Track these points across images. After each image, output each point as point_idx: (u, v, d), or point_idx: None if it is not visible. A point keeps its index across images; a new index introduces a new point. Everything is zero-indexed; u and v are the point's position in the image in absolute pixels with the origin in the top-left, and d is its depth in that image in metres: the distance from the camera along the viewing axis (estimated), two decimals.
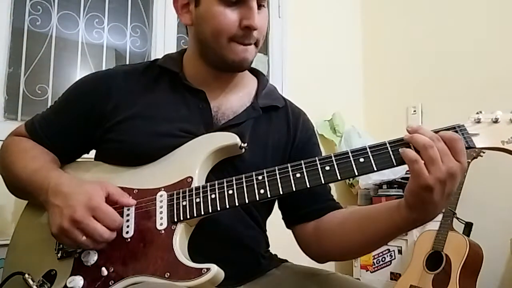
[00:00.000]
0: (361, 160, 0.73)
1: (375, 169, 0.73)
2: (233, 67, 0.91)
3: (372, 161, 0.73)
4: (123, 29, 1.96)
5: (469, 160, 1.87)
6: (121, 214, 0.80)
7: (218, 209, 0.78)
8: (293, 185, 0.76)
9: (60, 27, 1.79)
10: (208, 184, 0.80)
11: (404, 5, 2.58)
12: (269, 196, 0.76)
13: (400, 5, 2.61)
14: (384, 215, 0.80)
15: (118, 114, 0.90)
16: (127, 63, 1.93)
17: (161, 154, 0.87)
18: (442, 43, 2.35)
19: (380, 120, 2.59)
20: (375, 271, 2.15)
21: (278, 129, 0.97)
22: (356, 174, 0.73)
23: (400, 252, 2.08)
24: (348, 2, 2.76)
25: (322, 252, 0.92)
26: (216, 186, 0.79)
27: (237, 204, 0.77)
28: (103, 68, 1.82)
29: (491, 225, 2.01)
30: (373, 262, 2.16)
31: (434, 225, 1.87)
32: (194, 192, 0.80)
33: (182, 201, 0.80)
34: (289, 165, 0.77)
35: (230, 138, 0.85)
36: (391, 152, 0.72)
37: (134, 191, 0.84)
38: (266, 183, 0.77)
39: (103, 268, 0.77)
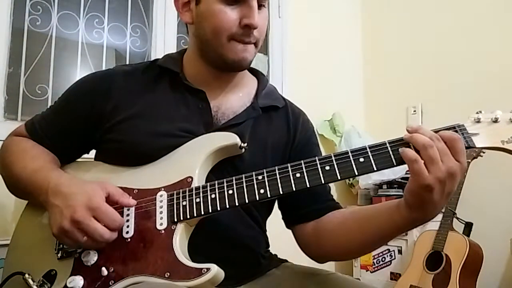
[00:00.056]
0: (361, 160, 0.73)
1: (375, 169, 0.73)
2: (232, 67, 0.91)
3: (372, 161, 0.73)
4: (123, 29, 1.96)
5: (469, 160, 1.87)
6: (121, 214, 0.80)
7: (218, 209, 0.78)
8: (293, 185, 0.76)
9: (60, 27, 1.79)
10: (208, 184, 0.80)
11: (404, 5, 2.59)
12: (269, 196, 0.76)
13: (400, 5, 2.61)
14: (384, 215, 0.80)
15: (118, 114, 0.90)
16: (127, 63, 1.93)
17: (161, 154, 0.87)
18: (442, 43, 2.35)
19: (380, 120, 2.59)
20: (375, 271, 2.15)
21: (278, 129, 0.97)
22: (356, 174, 0.73)
23: (400, 252, 2.08)
24: (348, 2, 2.76)
25: (322, 252, 0.92)
26: (216, 186, 0.79)
27: (237, 204, 0.77)
28: (103, 68, 1.82)
29: (491, 225, 2.01)
30: (373, 262, 2.16)
31: (434, 225, 1.87)
32: (194, 192, 0.80)
33: (182, 201, 0.80)
34: (289, 165, 0.77)
35: (230, 138, 0.85)
36: (391, 152, 0.73)
37: (134, 191, 0.84)
38: (266, 183, 0.77)
39: (103, 268, 0.77)
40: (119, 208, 0.80)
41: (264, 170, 0.78)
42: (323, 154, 0.83)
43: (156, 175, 0.85)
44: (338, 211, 0.93)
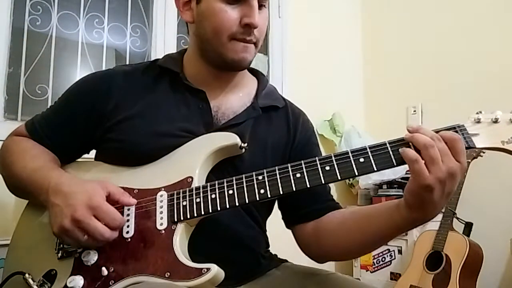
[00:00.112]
0: (361, 160, 0.73)
1: (375, 169, 0.73)
2: (232, 66, 0.91)
3: (372, 161, 0.73)
4: (123, 29, 1.96)
5: (469, 160, 1.87)
6: (122, 214, 0.80)
7: (218, 209, 0.78)
8: (293, 185, 0.76)
9: (60, 27, 1.79)
10: (208, 184, 0.80)
11: (404, 5, 2.59)
12: (269, 196, 0.76)
13: (400, 5, 2.61)
14: (384, 215, 0.80)
15: (118, 114, 0.90)
16: (127, 63, 1.93)
17: (161, 154, 0.87)
18: (442, 43, 2.35)
19: (380, 120, 2.59)
20: (375, 271, 2.15)
21: (278, 129, 0.98)
22: (356, 174, 0.73)
23: (400, 252, 2.08)
24: (348, 2, 2.76)
25: (322, 252, 0.92)
26: (216, 186, 0.79)
27: (237, 204, 0.77)
28: (103, 68, 1.82)
29: (491, 225, 2.01)
30: (373, 262, 2.16)
31: (434, 225, 1.87)
32: (194, 192, 0.80)
33: (182, 201, 0.80)
34: (289, 165, 0.77)
35: (230, 138, 0.86)
36: (391, 152, 0.73)
37: (134, 191, 0.84)
38: (266, 183, 0.77)
39: (103, 268, 0.77)
40: (120, 207, 0.80)
41: (264, 170, 0.78)
42: (323, 154, 0.83)
43: (156, 175, 0.85)
44: (338, 211, 0.93)
